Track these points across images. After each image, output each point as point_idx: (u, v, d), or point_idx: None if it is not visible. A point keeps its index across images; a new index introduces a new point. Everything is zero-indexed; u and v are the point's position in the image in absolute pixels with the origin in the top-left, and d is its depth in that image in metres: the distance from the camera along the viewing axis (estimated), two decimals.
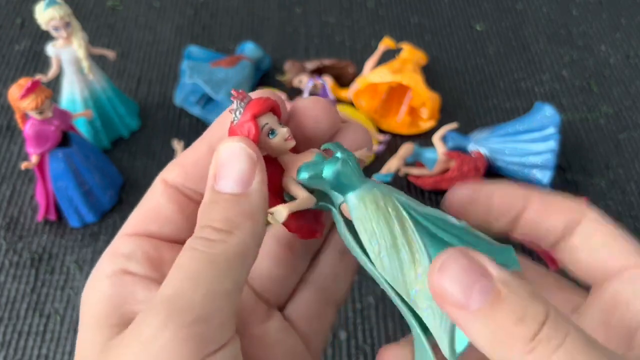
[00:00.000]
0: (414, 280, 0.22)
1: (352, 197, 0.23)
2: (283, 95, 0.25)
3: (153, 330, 0.18)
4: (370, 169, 0.62)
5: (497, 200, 0.26)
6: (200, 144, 0.24)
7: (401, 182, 0.61)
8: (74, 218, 0.57)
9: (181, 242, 0.21)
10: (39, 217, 0.57)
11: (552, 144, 0.58)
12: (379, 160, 0.63)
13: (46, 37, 0.59)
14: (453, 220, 0.23)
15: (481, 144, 0.61)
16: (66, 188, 0.55)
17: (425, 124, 0.66)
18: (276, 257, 0.26)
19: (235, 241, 0.20)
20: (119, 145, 0.65)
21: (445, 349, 0.21)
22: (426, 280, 0.21)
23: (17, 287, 0.54)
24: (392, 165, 0.60)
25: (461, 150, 0.61)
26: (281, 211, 0.22)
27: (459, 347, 0.20)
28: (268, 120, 0.23)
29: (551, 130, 0.59)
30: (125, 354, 0.19)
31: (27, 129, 0.52)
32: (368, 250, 0.23)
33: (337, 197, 0.24)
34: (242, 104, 0.23)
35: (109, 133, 0.64)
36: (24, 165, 0.54)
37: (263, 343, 0.24)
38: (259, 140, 0.23)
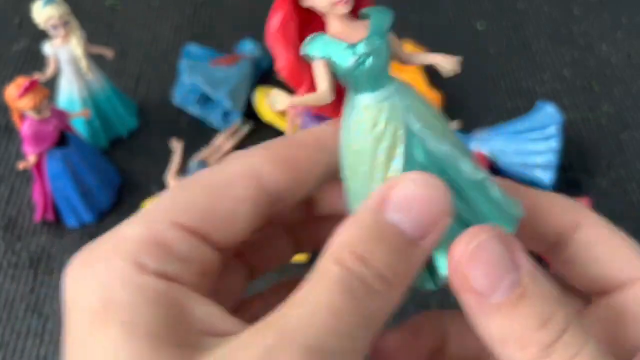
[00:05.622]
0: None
1: (357, 100, 0.20)
2: None
3: None
4: None
5: None
6: (304, 135, 0.21)
7: None
8: (72, 218, 0.57)
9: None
10: (37, 217, 0.57)
11: (554, 144, 0.58)
12: None
13: (44, 36, 0.58)
14: (466, 167, 0.19)
15: (483, 144, 0.60)
16: (64, 188, 0.55)
17: None
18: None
19: (392, 298, 0.17)
20: (118, 145, 0.64)
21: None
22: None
23: (16, 288, 0.53)
24: None
25: None
26: (280, 101, 0.19)
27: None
28: None
29: (553, 129, 0.59)
30: None
31: (25, 129, 0.51)
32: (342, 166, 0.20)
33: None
34: None
35: (108, 133, 0.64)
36: (21, 165, 0.53)
37: None
38: None
